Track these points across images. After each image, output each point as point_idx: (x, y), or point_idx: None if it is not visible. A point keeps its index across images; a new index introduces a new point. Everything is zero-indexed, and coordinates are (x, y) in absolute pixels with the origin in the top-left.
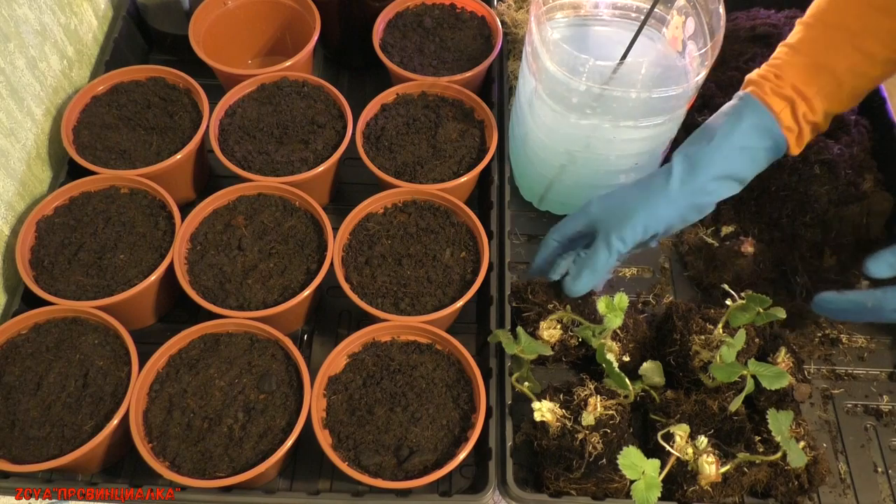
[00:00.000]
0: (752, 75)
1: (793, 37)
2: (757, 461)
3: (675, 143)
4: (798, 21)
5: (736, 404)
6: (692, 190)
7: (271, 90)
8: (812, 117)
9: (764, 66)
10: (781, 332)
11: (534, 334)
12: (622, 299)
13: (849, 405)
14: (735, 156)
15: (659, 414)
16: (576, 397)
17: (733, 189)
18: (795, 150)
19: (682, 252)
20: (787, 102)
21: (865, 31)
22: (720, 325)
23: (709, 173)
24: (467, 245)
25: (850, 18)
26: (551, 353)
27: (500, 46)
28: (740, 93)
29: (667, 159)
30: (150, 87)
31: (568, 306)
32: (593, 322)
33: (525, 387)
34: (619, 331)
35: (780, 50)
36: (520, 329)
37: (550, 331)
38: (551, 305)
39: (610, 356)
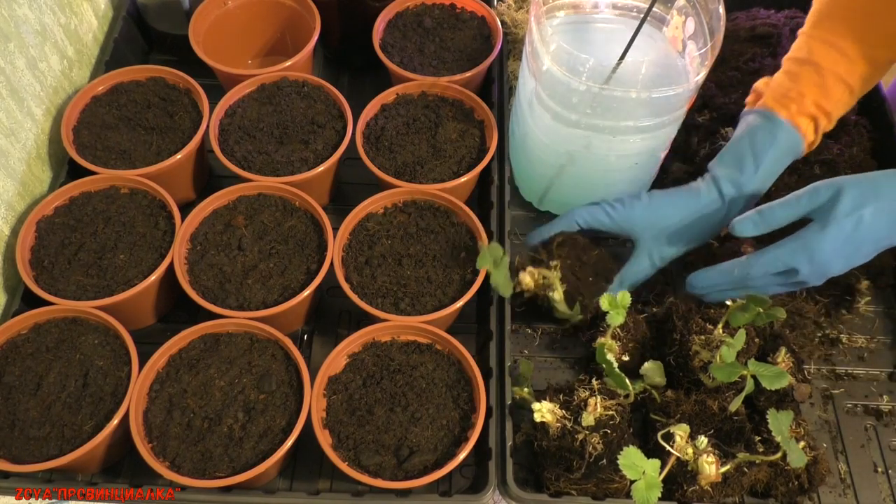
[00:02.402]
0: (772, 92)
1: (799, 50)
2: (757, 461)
3: (675, 143)
4: (801, 32)
5: (736, 404)
6: (734, 213)
7: (271, 90)
8: (829, 127)
9: (781, 79)
10: (781, 332)
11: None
12: (625, 297)
13: (849, 405)
14: (770, 179)
15: (659, 414)
16: (576, 398)
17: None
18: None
19: None
20: (811, 120)
21: (870, 36)
22: (720, 325)
23: (752, 197)
24: (467, 245)
25: (853, 28)
26: (508, 293)
27: (500, 46)
28: (767, 112)
29: (667, 160)
30: (150, 87)
31: (559, 273)
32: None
33: (525, 392)
34: (619, 330)
35: (792, 65)
36: (505, 259)
37: (529, 279)
38: (555, 264)
39: (610, 356)
